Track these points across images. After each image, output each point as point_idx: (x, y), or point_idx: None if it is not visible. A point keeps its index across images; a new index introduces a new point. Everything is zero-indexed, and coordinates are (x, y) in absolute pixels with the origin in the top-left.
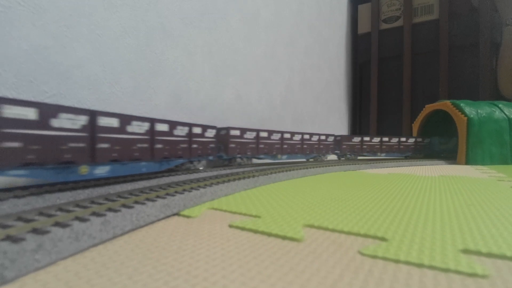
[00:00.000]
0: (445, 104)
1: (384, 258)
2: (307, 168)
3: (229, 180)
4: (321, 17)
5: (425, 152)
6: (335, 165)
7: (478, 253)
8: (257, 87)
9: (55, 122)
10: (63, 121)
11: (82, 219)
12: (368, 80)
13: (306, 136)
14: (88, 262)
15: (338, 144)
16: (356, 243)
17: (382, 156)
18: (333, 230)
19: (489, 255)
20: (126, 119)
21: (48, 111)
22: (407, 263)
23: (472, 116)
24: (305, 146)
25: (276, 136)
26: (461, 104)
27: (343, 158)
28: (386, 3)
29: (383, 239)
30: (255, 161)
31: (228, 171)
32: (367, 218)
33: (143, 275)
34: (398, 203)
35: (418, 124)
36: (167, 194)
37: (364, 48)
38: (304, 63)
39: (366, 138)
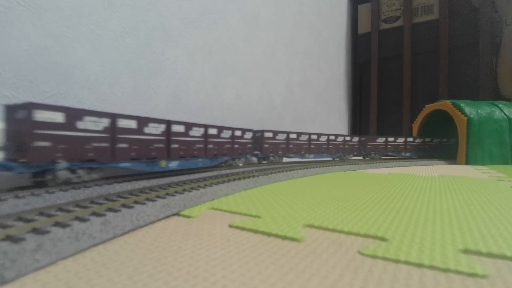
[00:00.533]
0: (445, 104)
1: (384, 258)
2: (307, 168)
3: (229, 180)
4: (321, 17)
5: (448, 151)
6: (335, 165)
7: (478, 253)
8: (257, 87)
9: (147, 130)
10: (151, 129)
11: (82, 219)
12: (368, 80)
13: (332, 137)
14: (88, 262)
15: (363, 144)
16: (356, 243)
17: (407, 155)
18: (333, 230)
19: (489, 255)
20: (188, 126)
21: (142, 122)
22: (407, 263)
23: (472, 116)
24: (330, 146)
25: (304, 137)
26: (461, 104)
27: (368, 158)
28: (386, 3)
29: (383, 239)
30: (285, 160)
31: (228, 171)
32: (367, 218)
33: (143, 275)
34: (398, 203)
35: (418, 124)
36: (167, 194)
37: (364, 48)
38: (304, 63)
39: (391, 139)
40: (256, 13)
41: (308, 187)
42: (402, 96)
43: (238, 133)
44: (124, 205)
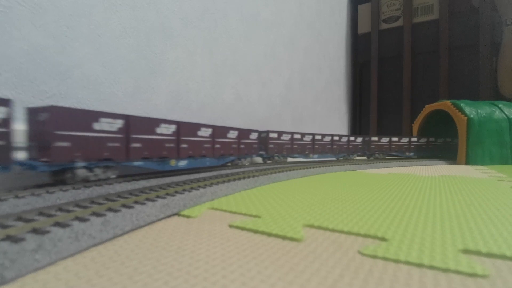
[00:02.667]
0: (445, 104)
1: (384, 258)
2: (307, 168)
3: (229, 180)
4: (321, 17)
5: (453, 151)
6: (335, 165)
7: (478, 253)
8: (257, 87)
9: (158, 130)
10: (163, 129)
11: (82, 219)
12: (368, 80)
13: (336, 138)
14: (88, 262)
15: (367, 144)
16: (356, 243)
17: (411, 155)
18: (333, 230)
19: (489, 255)
20: (197, 126)
21: (154, 122)
22: (407, 263)
23: (472, 116)
24: (334, 146)
25: (308, 138)
26: (461, 104)
27: (372, 158)
28: (386, 3)
29: (383, 239)
30: (289, 160)
31: (228, 171)
32: (367, 218)
33: (143, 275)
34: (398, 203)
35: (418, 124)
36: (167, 194)
37: (364, 48)
38: (304, 63)
39: (395, 139)
40: (256, 13)
41: (308, 187)
42: (402, 96)
43: (244, 133)
44: (124, 205)
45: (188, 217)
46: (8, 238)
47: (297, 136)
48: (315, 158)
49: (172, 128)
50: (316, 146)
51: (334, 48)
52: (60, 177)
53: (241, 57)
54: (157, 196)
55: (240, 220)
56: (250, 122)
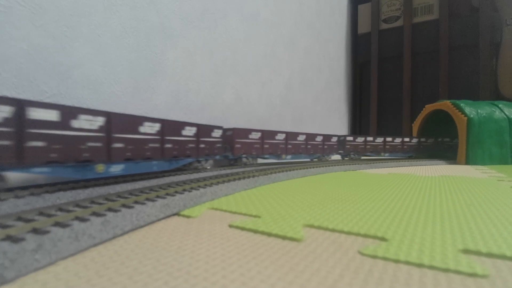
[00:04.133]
0: (445, 104)
1: (384, 258)
2: (307, 168)
3: (229, 180)
4: (321, 17)
5: (435, 151)
6: (335, 165)
7: (478, 253)
8: (257, 87)
9: (76, 124)
10: (84, 123)
11: (82, 219)
12: (368, 80)
13: (311, 136)
14: (88, 262)
15: (342, 144)
16: (356, 243)
17: (386, 155)
18: (333, 230)
19: (489, 255)
20: (138, 121)
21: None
22: (407, 263)
23: (472, 116)
24: (309, 146)
25: (280, 136)
26: (461, 104)
27: (347, 158)
28: (386, 3)
29: (383, 239)
30: (259, 161)
31: (228, 171)
32: (367, 218)
33: (143, 275)
34: (398, 203)
35: (418, 124)
36: (167, 194)
37: (364, 48)
38: (304, 63)
39: (369, 138)
40: (256, 13)
41: (308, 187)
42: (402, 96)
43: (204, 130)
44: (124, 205)
45: (188, 217)
46: (8, 238)
47: (269, 135)
48: (288, 159)
49: (99, 122)
50: (289, 146)
51: (334, 48)
52: None
53: (241, 57)
54: (157, 196)
55: (240, 220)
56: (250, 122)
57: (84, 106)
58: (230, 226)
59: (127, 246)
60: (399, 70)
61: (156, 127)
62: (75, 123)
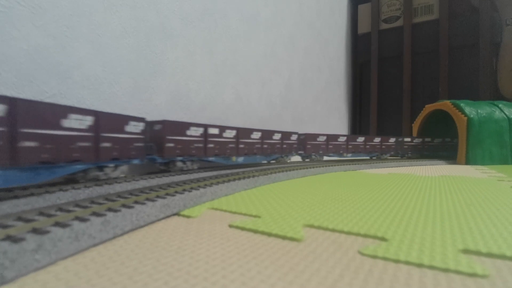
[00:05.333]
0: (445, 104)
1: (384, 258)
2: (307, 168)
3: (229, 180)
4: (321, 17)
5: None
6: (335, 165)
7: (478, 253)
8: (257, 87)
9: (224, 134)
10: (227, 133)
11: (82, 219)
12: (368, 80)
13: (266, 134)
14: (88, 262)
15: (302, 144)
16: (356, 243)
17: (348, 156)
18: (333, 230)
19: (489, 255)
20: (250, 131)
21: (221, 129)
22: (407, 263)
23: (472, 116)
24: (265, 146)
25: (230, 134)
26: (461, 104)
27: (308, 160)
28: (386, 3)
29: (383, 239)
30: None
31: (228, 171)
32: (367, 218)
33: (143, 275)
34: (398, 203)
35: (418, 124)
36: (167, 194)
37: (364, 48)
38: (304, 63)
39: (333, 138)
40: (256, 13)
41: (308, 187)
42: (402, 96)
43: (286, 135)
44: (124, 205)
45: (188, 217)
46: (8, 238)
47: (214, 131)
48: (239, 161)
49: (233, 132)
50: (241, 146)
51: (334, 48)
52: (167, 167)
53: (241, 57)
54: (157, 196)
55: (240, 220)
56: (250, 122)
57: (84, 106)
58: (230, 226)
59: (127, 246)
60: (399, 70)
61: (259, 134)
62: (224, 134)
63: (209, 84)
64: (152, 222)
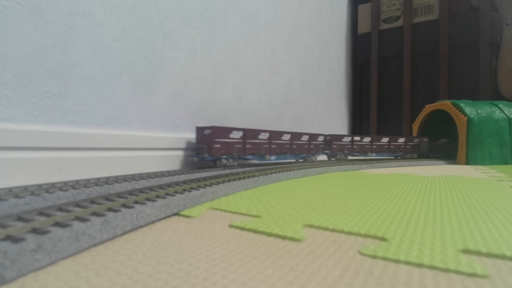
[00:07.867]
0: (445, 104)
1: (384, 258)
2: (307, 168)
3: (229, 180)
4: (321, 17)
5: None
6: (335, 165)
7: (478, 253)
8: (257, 87)
9: (260, 136)
10: (262, 136)
11: (82, 219)
12: (368, 80)
13: (295, 136)
14: (88, 262)
15: (328, 144)
16: (356, 243)
17: (373, 156)
18: (333, 230)
19: (489, 255)
20: (280, 133)
21: (254, 132)
22: (407, 263)
23: (472, 116)
24: (294, 146)
25: (264, 136)
26: (461, 104)
27: (334, 159)
28: (386, 3)
29: (383, 239)
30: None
31: (228, 171)
32: (367, 218)
33: (143, 275)
34: (398, 203)
35: (418, 124)
36: (167, 194)
37: (364, 48)
38: (304, 63)
39: (357, 138)
40: (256, 13)
41: (308, 187)
42: (402, 96)
43: (313, 136)
44: (124, 205)
45: (188, 217)
46: (8, 238)
47: (251, 134)
48: (272, 160)
49: (267, 134)
50: (274, 146)
51: (334, 48)
52: (213, 163)
53: (241, 57)
54: (157, 196)
55: (240, 220)
56: (250, 122)
57: (84, 106)
58: (230, 226)
59: (127, 246)
60: (399, 70)
61: (289, 136)
62: (259, 136)
63: (209, 84)
64: (152, 222)
